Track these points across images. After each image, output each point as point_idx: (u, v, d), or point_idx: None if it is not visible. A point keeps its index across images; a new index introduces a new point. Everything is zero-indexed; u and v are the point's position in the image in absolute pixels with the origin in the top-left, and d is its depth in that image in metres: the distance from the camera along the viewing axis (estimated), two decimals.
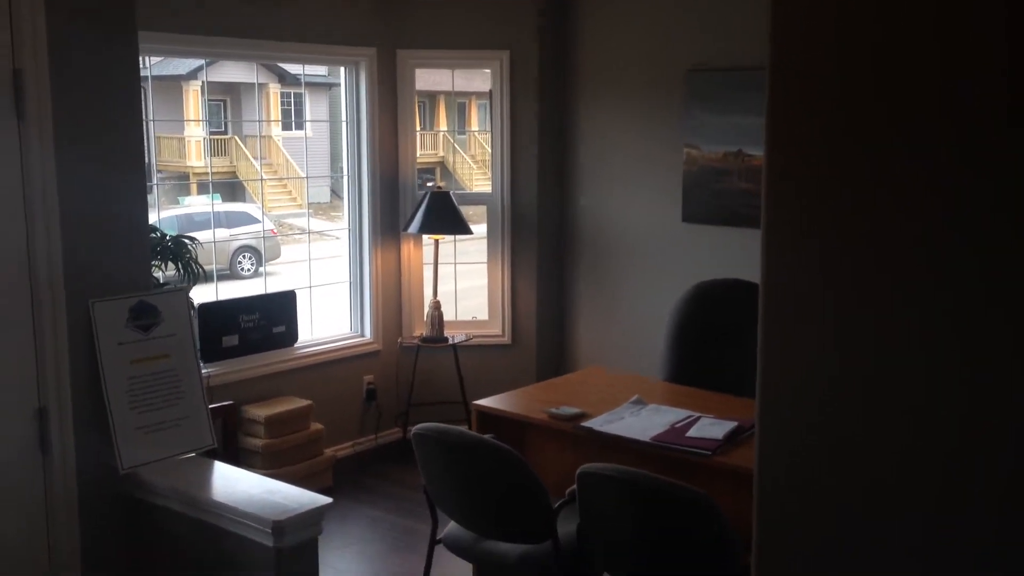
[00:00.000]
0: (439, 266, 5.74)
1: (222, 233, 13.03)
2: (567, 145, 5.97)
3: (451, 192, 5.67)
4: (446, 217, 5.54)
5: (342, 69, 5.71)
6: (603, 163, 5.84)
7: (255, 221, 14.39)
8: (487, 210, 5.97)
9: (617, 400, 3.84)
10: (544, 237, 5.94)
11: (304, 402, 5.20)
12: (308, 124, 19.37)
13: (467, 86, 16.79)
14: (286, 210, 18.72)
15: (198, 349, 3.30)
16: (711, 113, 5.33)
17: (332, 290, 6.24)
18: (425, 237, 5.82)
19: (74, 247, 2.85)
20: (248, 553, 2.73)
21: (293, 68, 14.15)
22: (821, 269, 1.40)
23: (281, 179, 19.18)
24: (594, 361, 5.83)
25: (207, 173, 17.56)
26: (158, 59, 13.28)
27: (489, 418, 3.84)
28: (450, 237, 5.79)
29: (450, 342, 5.67)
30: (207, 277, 4.83)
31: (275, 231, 16.23)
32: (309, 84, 15.69)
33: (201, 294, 4.97)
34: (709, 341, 4.29)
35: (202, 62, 6.53)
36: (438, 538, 3.60)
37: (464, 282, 6.37)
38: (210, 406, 3.24)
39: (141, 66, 3.06)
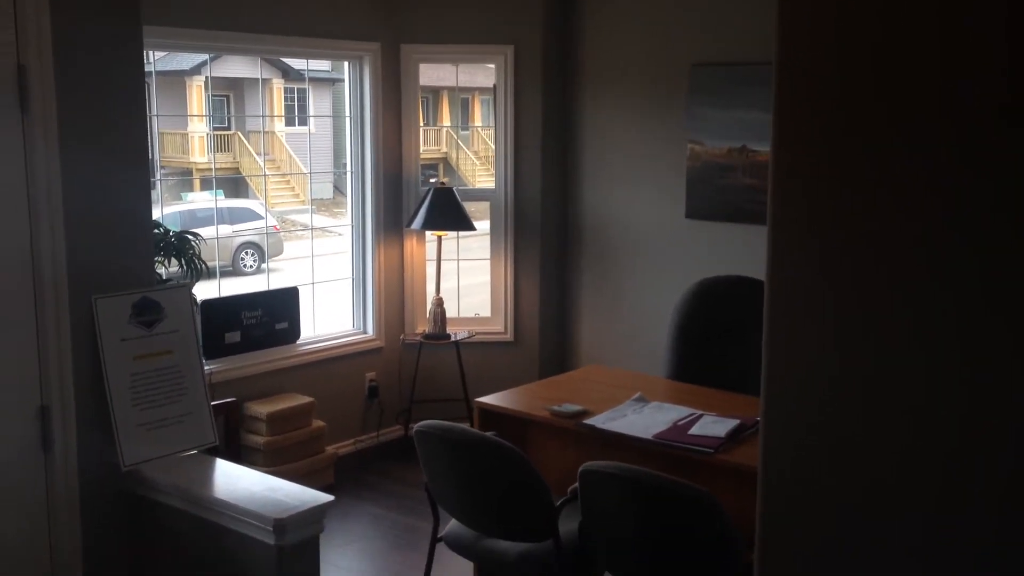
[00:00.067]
0: (442, 263, 5.74)
1: (225, 229, 13.05)
2: (571, 141, 5.96)
3: (454, 188, 5.67)
4: (449, 213, 5.54)
5: (346, 64, 5.70)
6: (606, 159, 5.84)
7: (258, 217, 14.40)
8: (490, 206, 5.97)
9: (619, 398, 3.83)
10: (547, 233, 5.94)
11: (306, 399, 5.20)
12: (311, 120, 19.35)
13: (470, 81, 16.80)
14: (289, 206, 18.72)
15: (200, 345, 3.30)
16: (715, 108, 5.32)
17: (335, 287, 6.24)
18: (428, 233, 5.82)
19: (78, 243, 2.85)
20: (250, 551, 2.73)
21: (297, 63, 14.17)
22: (822, 268, 1.40)
23: (284, 175, 19.18)
24: (597, 358, 5.83)
25: (210, 169, 17.57)
26: (162, 54, 13.30)
27: (491, 415, 3.84)
28: (453, 233, 5.79)
29: (452, 339, 5.67)
30: (210, 273, 4.83)
31: (278, 227, 16.23)
32: (312, 79, 15.69)
33: (204, 290, 4.97)
34: (712, 338, 4.28)
35: (206, 57, 6.54)
36: (439, 536, 3.60)
37: (467, 279, 6.37)
38: (212, 403, 3.24)
39: (145, 61, 3.06)
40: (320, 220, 16.25)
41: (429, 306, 5.77)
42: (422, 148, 6.03)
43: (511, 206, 5.87)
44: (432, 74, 6.80)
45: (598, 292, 5.97)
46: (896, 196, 1.32)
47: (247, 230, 14.13)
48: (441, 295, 5.72)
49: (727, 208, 5.32)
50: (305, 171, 17.01)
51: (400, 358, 5.88)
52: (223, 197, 16.14)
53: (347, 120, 5.75)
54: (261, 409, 5.00)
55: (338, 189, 17.65)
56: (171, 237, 4.54)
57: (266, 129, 18.08)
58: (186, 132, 18.21)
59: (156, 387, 3.03)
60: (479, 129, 20.28)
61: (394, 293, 5.87)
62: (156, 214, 4.75)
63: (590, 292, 6.01)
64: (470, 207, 5.72)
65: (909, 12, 1.29)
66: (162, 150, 17.25)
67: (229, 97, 19.50)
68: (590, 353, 6.00)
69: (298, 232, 16.04)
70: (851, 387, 1.38)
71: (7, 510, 2.81)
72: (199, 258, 4.58)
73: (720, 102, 5.30)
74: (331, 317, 6.09)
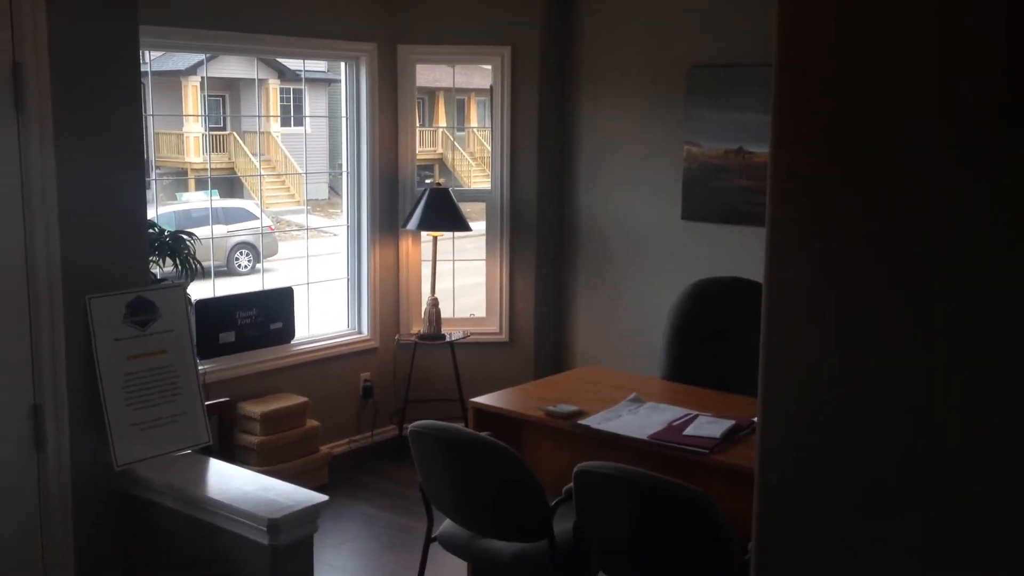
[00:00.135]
0: (437, 263, 5.74)
1: (220, 229, 13.02)
2: (568, 142, 5.96)
3: (450, 189, 5.66)
4: (445, 214, 5.53)
5: (342, 65, 5.70)
6: (603, 160, 5.84)
7: (253, 217, 14.38)
8: (486, 207, 5.97)
9: (614, 398, 3.83)
10: (543, 234, 5.94)
11: (300, 399, 5.19)
12: (307, 120, 19.34)
13: (467, 83, 16.78)
14: (284, 207, 18.71)
15: (195, 345, 3.29)
16: (712, 110, 5.32)
17: (330, 287, 6.24)
18: (424, 234, 5.81)
19: (72, 243, 2.84)
20: (243, 550, 2.72)
21: (293, 64, 14.15)
22: (821, 269, 1.39)
23: (279, 175, 19.17)
24: (592, 359, 5.83)
25: (205, 169, 17.55)
26: (158, 54, 13.27)
27: (486, 416, 3.83)
28: (449, 234, 5.78)
29: (447, 339, 5.66)
30: (205, 273, 4.82)
31: (273, 227, 16.22)
32: (309, 80, 15.67)
33: (198, 290, 4.96)
34: (707, 339, 4.28)
35: (202, 57, 6.52)
36: (433, 536, 3.59)
37: (462, 279, 6.36)
38: (206, 403, 3.23)
39: (141, 61, 3.06)
40: (315, 220, 16.23)
41: (424, 306, 5.77)
42: (418, 149, 6.03)
43: (507, 207, 5.87)
44: (428, 75, 6.80)
45: (594, 293, 5.97)
46: (896, 196, 1.32)
47: (242, 230, 14.11)
48: (436, 295, 5.71)
49: (723, 209, 5.32)
50: (300, 171, 17.00)
51: (395, 358, 5.87)
52: (218, 197, 16.11)
53: (343, 121, 5.74)
54: (255, 409, 4.99)
55: (333, 190, 17.65)
56: (166, 237, 4.53)
57: (262, 129, 18.05)
58: (182, 132, 18.19)
59: (150, 387, 3.02)
60: (475, 130, 20.28)
61: (389, 293, 5.87)
62: (151, 214, 4.73)
63: (586, 293, 6.00)
64: (466, 208, 5.72)
65: (909, 12, 1.29)
66: (157, 150, 17.23)
67: (225, 97, 19.49)
68: (585, 354, 6.00)
69: (293, 232, 16.03)
70: (851, 387, 1.37)
71: (0, 509, 2.80)
72: (194, 258, 4.58)
73: (717, 103, 5.30)
74: (326, 317, 6.08)
